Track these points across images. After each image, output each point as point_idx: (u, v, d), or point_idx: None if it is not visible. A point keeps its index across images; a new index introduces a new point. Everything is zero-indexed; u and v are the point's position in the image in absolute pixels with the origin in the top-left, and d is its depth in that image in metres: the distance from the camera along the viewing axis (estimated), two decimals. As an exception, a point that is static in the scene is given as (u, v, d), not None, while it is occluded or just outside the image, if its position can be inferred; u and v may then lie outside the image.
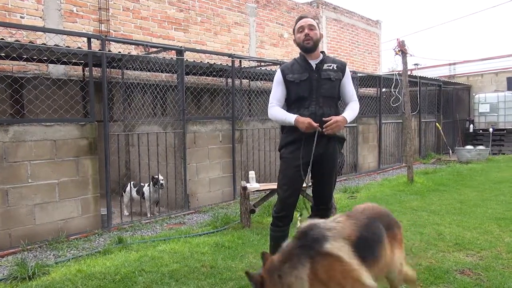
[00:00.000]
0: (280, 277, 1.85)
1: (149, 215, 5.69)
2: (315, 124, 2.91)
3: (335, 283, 1.82)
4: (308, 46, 3.06)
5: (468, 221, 4.78)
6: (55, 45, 5.25)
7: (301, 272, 1.82)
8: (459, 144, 13.47)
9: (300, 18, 3.14)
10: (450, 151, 12.22)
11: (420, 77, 11.52)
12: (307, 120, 2.93)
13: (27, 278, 3.32)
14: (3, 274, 3.54)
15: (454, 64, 16.42)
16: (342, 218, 2.15)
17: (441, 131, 12.46)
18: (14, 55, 4.98)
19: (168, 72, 6.35)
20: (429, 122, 12.37)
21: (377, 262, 2.04)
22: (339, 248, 1.86)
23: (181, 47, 5.97)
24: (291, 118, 3.02)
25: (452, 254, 3.68)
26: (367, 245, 2.01)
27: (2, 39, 4.99)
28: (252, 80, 8.27)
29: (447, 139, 12.83)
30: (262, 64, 8.68)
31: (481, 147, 11.85)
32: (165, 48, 6.54)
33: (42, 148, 4.48)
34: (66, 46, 5.69)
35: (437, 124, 12.51)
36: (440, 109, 12.92)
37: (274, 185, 5.06)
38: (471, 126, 14.25)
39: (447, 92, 13.80)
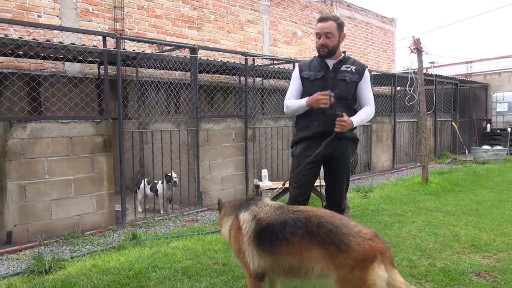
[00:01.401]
0: (225, 212, 2.59)
1: (162, 212, 5.74)
2: (325, 93, 2.88)
3: (233, 240, 2.41)
4: (323, 54, 3.05)
5: (485, 222, 4.69)
6: (71, 43, 5.33)
7: (227, 217, 2.54)
8: (476, 144, 13.22)
9: (319, 21, 3.06)
10: (466, 151, 12.00)
11: (436, 76, 11.33)
12: (315, 96, 2.92)
13: (44, 272, 3.39)
14: (21, 267, 3.63)
15: (471, 62, 16.09)
16: (274, 205, 2.36)
17: (457, 130, 12.24)
18: (32, 53, 5.07)
19: (182, 70, 6.39)
20: (445, 121, 12.17)
21: (272, 253, 2.20)
22: (245, 220, 2.30)
23: (194, 45, 5.99)
24: (303, 101, 3.04)
25: (467, 256, 3.62)
26: (269, 234, 2.21)
27: (20, 37, 5.08)
28: (265, 78, 8.26)
29: (463, 138, 12.60)
30: (275, 62, 8.66)
31: (498, 147, 11.61)
32: (179, 46, 6.58)
33: (59, 145, 4.56)
34: (82, 45, 5.77)
35: (453, 123, 12.30)
36: (457, 108, 12.70)
37: (286, 184, 5.05)
38: (488, 125, 13.96)
39: (463, 91, 13.54)
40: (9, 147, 4.20)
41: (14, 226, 4.24)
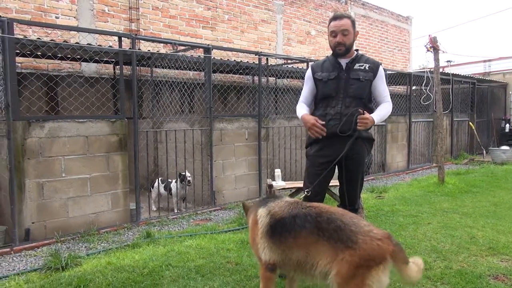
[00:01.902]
0: (249, 211, 2.64)
1: (176, 211, 5.79)
2: (319, 126, 2.91)
3: (250, 233, 2.50)
4: (340, 52, 3.01)
5: (503, 224, 4.58)
6: (88, 44, 5.42)
7: (249, 215, 2.58)
8: (494, 144, 12.93)
9: (334, 19, 3.02)
10: (484, 152, 11.76)
11: (453, 75, 11.12)
12: (311, 121, 2.93)
13: (61, 269, 3.46)
14: (39, 264, 3.70)
15: (489, 61, 15.74)
16: (290, 201, 2.42)
17: (475, 130, 12.01)
18: (50, 54, 5.17)
19: (196, 70, 6.42)
20: (461, 121, 11.95)
21: (281, 244, 2.25)
22: (261, 215, 2.38)
23: (208, 45, 6.02)
24: (300, 114, 3.09)
25: (485, 259, 3.54)
26: (280, 227, 2.27)
27: (39, 38, 5.19)
28: (278, 78, 8.24)
29: (480, 139, 12.34)
30: (289, 61, 8.64)
31: (517, 147, 11.33)
32: (193, 46, 6.62)
33: (75, 144, 4.64)
34: (98, 45, 5.86)
35: (470, 123, 12.06)
36: (474, 108, 12.45)
37: (300, 184, 5.04)
38: (507, 125, 13.64)
39: (481, 90, 13.27)
40: (27, 146, 4.29)
41: (32, 223, 4.33)
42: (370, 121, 2.90)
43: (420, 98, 9.46)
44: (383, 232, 2.06)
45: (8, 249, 4.05)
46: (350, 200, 3.19)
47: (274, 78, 8.67)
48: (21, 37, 4.85)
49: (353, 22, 3.03)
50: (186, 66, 6.32)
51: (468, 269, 3.28)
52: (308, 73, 3.19)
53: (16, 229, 4.18)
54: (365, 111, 2.91)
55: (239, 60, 7.20)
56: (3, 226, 4.39)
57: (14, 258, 3.91)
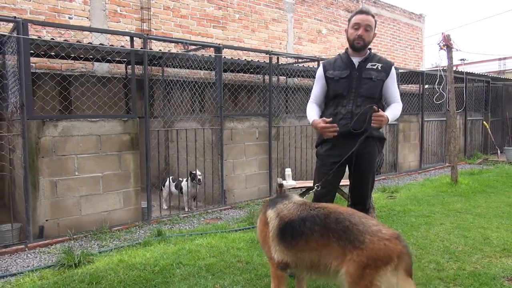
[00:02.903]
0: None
1: (186, 210, 5.82)
2: (329, 125, 2.87)
3: (259, 233, 2.55)
4: (358, 46, 2.98)
5: (518, 225, 4.50)
6: (100, 44, 5.48)
7: (261, 215, 2.59)
8: (509, 144, 12.69)
9: (360, 12, 2.99)
10: (499, 151, 11.55)
11: (467, 73, 10.95)
12: (320, 124, 2.90)
13: (74, 266, 3.51)
14: (52, 261, 3.77)
15: (505, 59, 15.48)
16: (298, 202, 2.42)
17: (489, 129, 11.80)
18: (63, 54, 5.24)
19: (207, 70, 6.45)
20: (475, 120, 11.75)
21: (293, 248, 2.26)
22: (271, 217, 2.40)
23: (219, 44, 6.03)
24: (311, 119, 3.05)
25: (499, 260, 3.48)
26: (290, 230, 2.28)
27: (52, 39, 5.26)
28: (289, 77, 8.22)
29: (495, 138, 12.12)
30: (300, 60, 8.61)
31: (533, 147, 11.10)
32: (204, 46, 6.64)
33: (88, 143, 4.70)
34: (110, 45, 5.93)
35: (484, 122, 11.86)
36: (488, 107, 12.23)
37: (310, 183, 5.02)
38: (523, 124, 13.39)
39: (496, 89, 13.02)
40: (41, 145, 4.37)
41: (46, 220, 4.40)
42: (385, 119, 2.87)
43: (433, 97, 9.34)
44: (392, 232, 2.04)
45: (22, 246, 4.13)
46: (361, 200, 3.16)
47: (285, 77, 8.65)
48: (36, 37, 4.93)
49: (375, 22, 3.02)
50: (197, 66, 6.35)
51: (482, 271, 3.23)
52: (319, 71, 3.15)
53: (31, 227, 4.26)
54: (379, 109, 2.88)
55: (250, 59, 7.20)
56: (18, 223, 4.47)
57: (29, 255, 3.99)
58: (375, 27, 3.01)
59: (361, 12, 2.99)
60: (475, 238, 4.10)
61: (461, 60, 14.47)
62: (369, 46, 3.06)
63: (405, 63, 13.91)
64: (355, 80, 2.99)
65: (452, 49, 7.08)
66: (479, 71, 12.82)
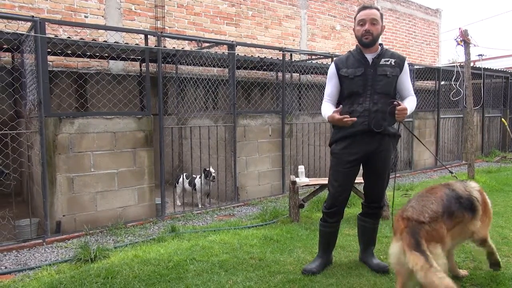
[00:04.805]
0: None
1: (200, 206, 5.87)
2: (342, 117, 2.82)
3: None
4: (367, 41, 2.93)
5: (537, 225, 4.39)
6: (115, 42, 5.54)
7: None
8: (528, 141, 12.39)
9: (363, 8, 2.97)
10: (517, 149, 11.29)
11: (485, 69, 10.71)
12: (336, 116, 2.84)
13: (90, 261, 3.57)
14: (69, 255, 3.84)
15: (524, 54, 15.07)
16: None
17: (507, 127, 11.53)
18: (79, 52, 5.32)
19: (220, 67, 6.47)
20: (493, 117, 11.50)
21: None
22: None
23: (232, 41, 6.04)
24: (325, 115, 3.00)
25: (517, 260, 3.41)
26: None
27: (69, 37, 5.35)
28: (302, 74, 8.17)
29: (514, 135, 11.84)
30: (313, 57, 8.55)
31: (554, 145, 10.81)
32: (217, 43, 6.66)
33: (103, 140, 4.77)
34: (125, 43, 5.99)
35: (502, 119, 11.58)
36: (507, 103, 11.95)
37: (323, 180, 4.99)
38: (543, 121, 13.03)
39: (515, 85, 12.71)
40: (58, 142, 4.45)
41: (63, 216, 4.49)
42: (407, 112, 2.85)
43: (449, 94, 9.18)
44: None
45: (40, 241, 4.23)
46: (375, 197, 3.14)
47: (298, 74, 8.61)
48: (53, 36, 5.01)
49: (381, 15, 2.98)
50: (210, 63, 6.37)
51: (499, 271, 3.17)
52: (332, 69, 3.09)
53: (48, 222, 4.36)
54: (400, 102, 2.85)
55: (263, 56, 7.19)
56: (36, 218, 4.58)
57: (46, 249, 4.08)
58: (382, 18, 2.96)
59: (364, 7, 2.96)
60: (492, 237, 4.00)
61: (479, 55, 14.13)
62: (381, 42, 3.03)
63: (421, 59, 13.69)
64: (371, 77, 2.95)
65: (470, 45, 6.93)
66: (498, 67, 12.52)
